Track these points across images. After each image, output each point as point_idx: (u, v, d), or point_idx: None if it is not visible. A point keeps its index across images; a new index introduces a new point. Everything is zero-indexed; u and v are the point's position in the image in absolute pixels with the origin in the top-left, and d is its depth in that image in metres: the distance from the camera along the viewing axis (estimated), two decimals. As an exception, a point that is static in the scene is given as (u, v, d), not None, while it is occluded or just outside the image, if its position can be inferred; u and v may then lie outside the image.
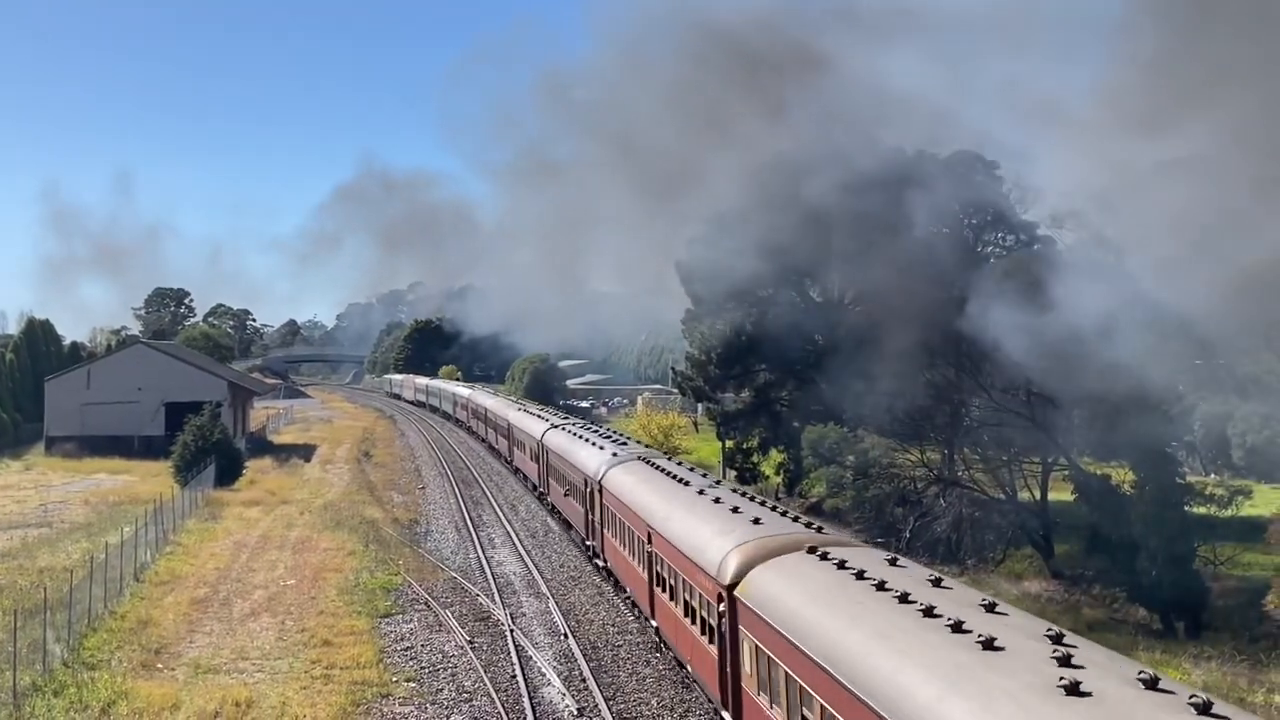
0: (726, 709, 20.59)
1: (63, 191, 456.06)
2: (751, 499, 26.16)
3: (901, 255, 57.21)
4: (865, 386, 60.52)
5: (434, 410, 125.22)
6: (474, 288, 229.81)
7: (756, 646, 18.56)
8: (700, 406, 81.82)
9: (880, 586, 16.42)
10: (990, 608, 15.24)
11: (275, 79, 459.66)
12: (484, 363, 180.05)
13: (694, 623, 22.81)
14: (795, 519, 22.93)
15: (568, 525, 45.40)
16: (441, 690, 26.43)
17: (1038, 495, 47.21)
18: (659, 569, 26.91)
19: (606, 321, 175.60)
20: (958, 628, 14.19)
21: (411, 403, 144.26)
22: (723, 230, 64.19)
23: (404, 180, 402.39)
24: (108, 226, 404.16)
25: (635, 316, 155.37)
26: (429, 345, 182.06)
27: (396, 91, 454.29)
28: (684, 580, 23.66)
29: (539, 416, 61.76)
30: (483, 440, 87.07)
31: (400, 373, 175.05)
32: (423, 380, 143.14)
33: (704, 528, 23.17)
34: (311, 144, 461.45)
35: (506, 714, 24.42)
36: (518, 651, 29.21)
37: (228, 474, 61.98)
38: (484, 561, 41.75)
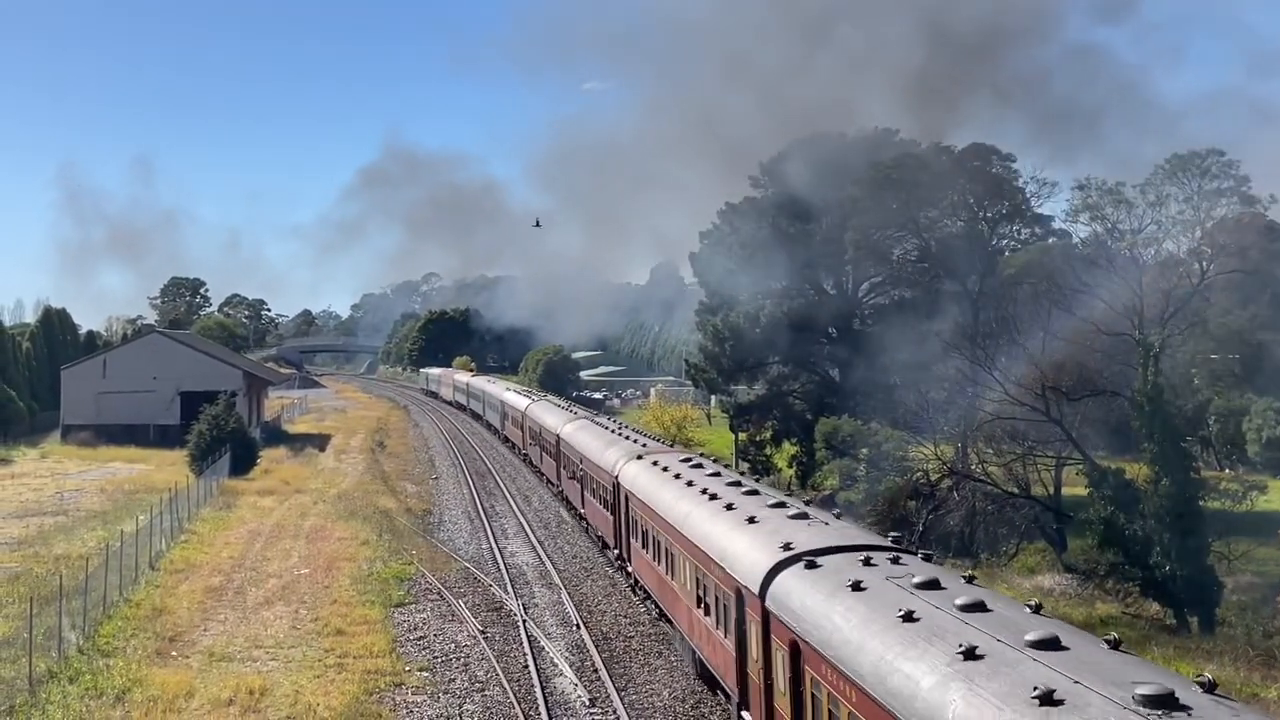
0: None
1: (80, 175, 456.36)
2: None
3: (915, 248, 57.14)
4: (878, 379, 60.48)
5: (476, 418, 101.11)
6: (488, 277, 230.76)
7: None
8: (713, 398, 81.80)
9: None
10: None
11: (294, 59, 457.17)
12: (499, 354, 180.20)
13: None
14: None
15: None
16: (454, 680, 26.53)
17: (1051, 489, 47.09)
18: None
19: (638, 311, 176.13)
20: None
21: (450, 404, 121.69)
22: (736, 220, 64.16)
23: (430, 159, 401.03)
24: (126, 211, 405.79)
25: (663, 304, 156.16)
26: (443, 336, 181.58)
27: (426, 60, 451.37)
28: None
29: (710, 494, 26.05)
30: (558, 493, 52.28)
31: (436, 366, 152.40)
32: (463, 377, 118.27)
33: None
34: (334, 130, 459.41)
35: (519, 704, 24.50)
36: (530, 642, 29.29)
37: (242, 463, 62.18)
38: (497, 552, 41.86)
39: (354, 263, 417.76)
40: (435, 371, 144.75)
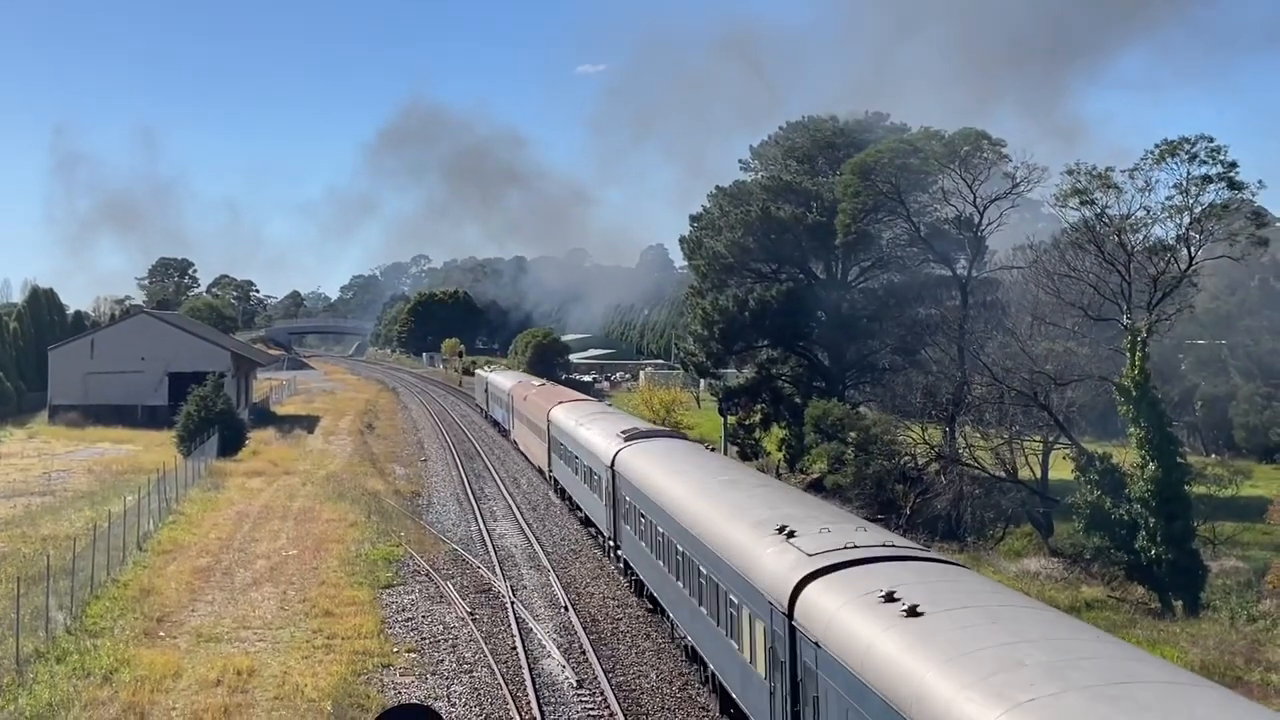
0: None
1: (76, 142, 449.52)
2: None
3: (905, 232, 57.17)
4: (867, 363, 60.58)
5: (581, 518, 42.68)
6: (477, 259, 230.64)
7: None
8: (703, 382, 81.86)
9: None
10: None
11: (304, 26, 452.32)
12: (488, 336, 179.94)
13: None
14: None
15: None
16: (442, 661, 26.59)
17: (1038, 473, 47.28)
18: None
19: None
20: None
21: (528, 460, 60.46)
22: (726, 204, 64.08)
23: (453, 118, 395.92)
24: (124, 184, 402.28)
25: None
26: (431, 318, 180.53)
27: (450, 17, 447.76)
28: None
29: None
30: None
31: (495, 368, 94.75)
32: (566, 418, 46.16)
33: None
34: (343, 102, 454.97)
35: (506, 685, 24.57)
36: (518, 623, 29.36)
37: (231, 444, 62.09)
38: (485, 534, 41.91)
39: (365, 238, 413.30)
40: (504, 382, 74.48)
